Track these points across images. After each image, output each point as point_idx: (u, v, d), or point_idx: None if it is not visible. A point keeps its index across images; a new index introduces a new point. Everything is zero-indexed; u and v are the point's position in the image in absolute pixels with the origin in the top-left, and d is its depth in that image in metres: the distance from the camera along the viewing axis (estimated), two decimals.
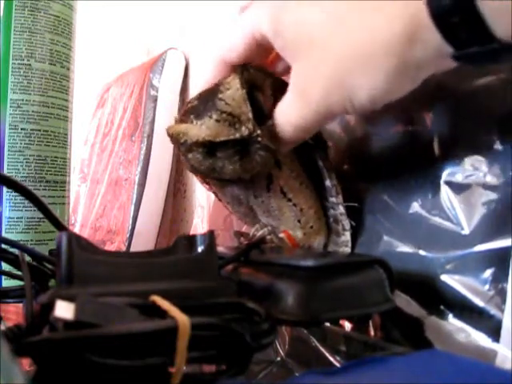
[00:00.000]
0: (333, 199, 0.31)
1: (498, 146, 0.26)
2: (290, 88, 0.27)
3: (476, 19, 0.19)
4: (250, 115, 0.26)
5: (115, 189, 0.65)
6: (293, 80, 0.26)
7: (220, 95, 0.27)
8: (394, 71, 0.22)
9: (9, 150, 0.42)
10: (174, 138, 0.28)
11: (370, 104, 0.24)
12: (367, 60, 0.23)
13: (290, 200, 0.31)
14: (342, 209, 0.31)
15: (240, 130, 0.26)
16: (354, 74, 0.23)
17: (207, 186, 0.34)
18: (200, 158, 0.28)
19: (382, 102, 0.24)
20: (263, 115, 0.27)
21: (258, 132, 0.26)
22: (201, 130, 0.27)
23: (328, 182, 0.31)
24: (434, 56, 0.22)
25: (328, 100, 0.25)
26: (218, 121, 0.26)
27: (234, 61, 0.29)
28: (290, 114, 0.27)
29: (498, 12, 0.19)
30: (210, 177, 0.30)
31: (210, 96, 0.27)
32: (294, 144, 0.29)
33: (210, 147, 0.27)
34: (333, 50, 0.24)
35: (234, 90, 0.27)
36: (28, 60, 0.42)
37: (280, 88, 0.28)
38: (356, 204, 0.32)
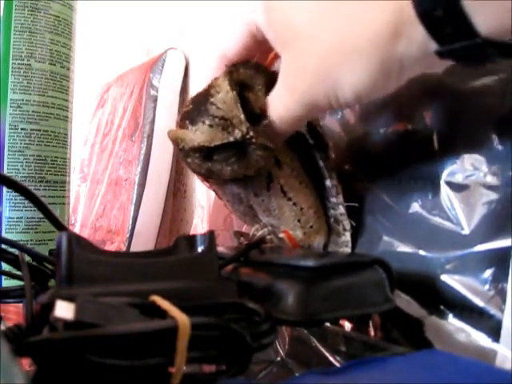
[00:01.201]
0: (333, 199, 0.31)
1: (497, 146, 0.26)
2: (278, 80, 0.27)
3: (459, 14, 0.19)
4: (242, 117, 0.26)
5: (115, 189, 0.65)
6: (281, 72, 0.26)
7: (211, 99, 0.27)
8: (378, 66, 0.22)
9: (9, 150, 0.42)
10: (174, 142, 0.28)
11: (355, 99, 0.24)
12: (352, 53, 0.23)
13: (290, 199, 0.31)
14: (342, 209, 0.31)
15: (233, 133, 0.26)
16: (339, 68, 0.23)
17: (207, 184, 0.34)
18: (198, 162, 0.28)
19: (367, 98, 0.24)
20: (257, 114, 0.27)
21: (251, 134, 0.26)
22: (196, 135, 0.27)
23: (328, 182, 0.31)
24: (418, 52, 0.21)
25: (313, 93, 0.25)
26: (211, 126, 0.26)
27: (234, 57, 0.29)
28: (276, 106, 0.27)
29: (481, 7, 0.19)
30: (211, 178, 0.30)
31: (202, 100, 0.27)
32: (283, 137, 0.29)
33: (206, 152, 0.27)
34: (319, 42, 0.24)
35: (225, 93, 0.27)
36: (28, 60, 0.42)
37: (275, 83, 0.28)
38: (356, 204, 0.32)
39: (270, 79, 0.28)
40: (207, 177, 0.30)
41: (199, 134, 0.27)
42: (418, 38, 0.21)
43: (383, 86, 0.24)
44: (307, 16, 0.24)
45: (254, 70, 0.29)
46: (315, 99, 0.25)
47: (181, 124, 0.28)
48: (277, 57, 0.30)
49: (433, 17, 0.20)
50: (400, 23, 0.21)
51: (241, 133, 0.26)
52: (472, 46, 0.20)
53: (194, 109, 0.28)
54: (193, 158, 0.28)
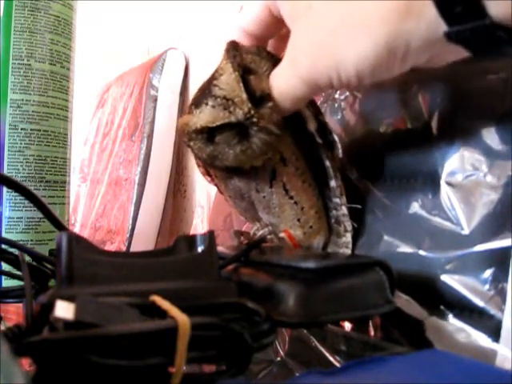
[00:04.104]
0: (336, 200, 0.31)
1: (498, 146, 0.26)
2: (284, 55, 0.27)
3: None
4: (244, 97, 0.26)
5: (115, 189, 0.65)
6: (288, 46, 0.26)
7: (214, 81, 0.27)
8: (384, 43, 0.22)
9: (9, 150, 0.42)
10: (181, 131, 0.29)
11: (356, 77, 0.24)
12: (359, 28, 0.23)
13: (291, 198, 0.31)
14: (344, 210, 0.31)
15: (234, 112, 0.26)
16: (344, 41, 0.23)
17: (209, 179, 0.34)
18: (201, 145, 0.28)
19: (369, 77, 0.24)
20: (261, 97, 0.27)
21: (252, 112, 0.26)
22: (199, 117, 0.27)
23: (333, 183, 0.31)
24: (426, 32, 0.21)
25: (315, 69, 0.25)
26: (213, 106, 0.27)
27: (253, 32, 0.30)
28: (278, 81, 0.27)
29: None
30: (214, 165, 0.30)
31: (206, 85, 0.28)
32: (284, 114, 0.28)
33: (209, 133, 0.27)
34: (329, 14, 0.24)
35: (228, 75, 0.27)
36: (28, 60, 0.42)
37: None
38: (360, 206, 0.31)
39: (275, 65, 0.28)
40: (210, 163, 0.29)
41: (202, 116, 0.27)
42: (427, 16, 0.21)
43: (387, 66, 0.23)
44: None
45: (257, 55, 0.29)
46: (317, 76, 0.25)
47: (188, 111, 0.29)
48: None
49: None
50: (411, 1, 0.21)
51: (242, 112, 0.26)
52: (480, 28, 0.20)
53: (199, 94, 0.28)
54: (196, 142, 0.28)
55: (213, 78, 0.28)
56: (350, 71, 0.24)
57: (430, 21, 0.21)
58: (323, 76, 0.25)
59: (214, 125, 0.27)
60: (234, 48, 0.28)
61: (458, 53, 0.23)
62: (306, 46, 0.25)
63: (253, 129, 0.27)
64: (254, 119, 0.26)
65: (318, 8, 0.24)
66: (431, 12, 0.21)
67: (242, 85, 0.27)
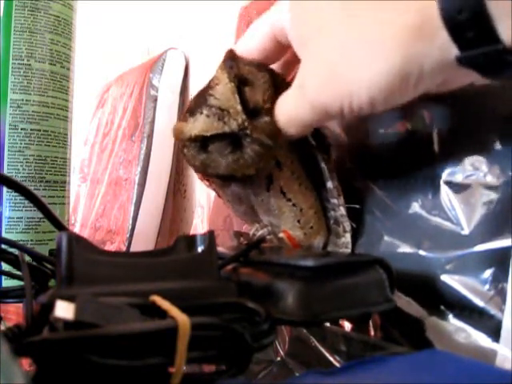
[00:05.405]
0: (334, 201, 0.31)
1: (497, 146, 0.26)
2: (294, 81, 0.26)
3: (484, 18, 0.19)
4: (239, 108, 0.26)
5: (115, 189, 0.65)
6: (298, 72, 0.26)
7: (210, 91, 0.27)
8: (398, 68, 0.22)
9: (9, 150, 0.42)
10: (175, 136, 0.29)
11: (369, 105, 0.23)
12: (372, 51, 0.22)
13: (289, 200, 0.31)
14: (342, 210, 0.31)
15: (229, 123, 0.26)
16: (356, 67, 0.23)
17: (207, 183, 0.34)
18: (194, 153, 0.28)
19: (381, 104, 0.23)
20: (256, 110, 0.27)
21: (246, 124, 0.26)
22: (193, 126, 0.27)
23: (329, 184, 0.31)
24: (438, 56, 0.21)
25: (325, 95, 0.24)
26: (208, 116, 0.27)
27: (255, 57, 0.29)
28: (286, 105, 0.27)
29: (505, 13, 0.19)
30: (207, 173, 0.30)
31: (202, 93, 0.28)
32: (287, 138, 0.28)
33: (202, 142, 0.28)
34: (339, 39, 0.23)
35: (223, 85, 0.27)
36: (28, 60, 0.42)
37: (282, 84, 0.28)
38: (358, 206, 0.31)
39: (276, 81, 0.28)
40: (202, 171, 0.30)
41: (196, 124, 0.27)
42: (440, 40, 0.20)
43: (400, 91, 0.23)
44: (332, 13, 0.24)
45: (255, 66, 0.29)
46: (327, 101, 0.24)
47: (183, 118, 0.29)
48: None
49: (457, 19, 0.19)
50: (423, 25, 0.21)
51: (236, 123, 0.26)
52: (492, 53, 0.20)
53: (194, 102, 0.28)
54: (189, 149, 0.28)
55: (209, 87, 0.28)
56: (362, 97, 0.23)
57: (442, 44, 0.20)
58: (334, 103, 0.24)
59: (208, 134, 0.27)
60: (231, 58, 0.28)
61: (470, 76, 0.22)
62: (317, 70, 0.24)
63: (246, 140, 0.27)
64: (248, 131, 0.26)
65: (328, 32, 0.24)
66: (443, 35, 0.20)
67: (237, 96, 0.27)
